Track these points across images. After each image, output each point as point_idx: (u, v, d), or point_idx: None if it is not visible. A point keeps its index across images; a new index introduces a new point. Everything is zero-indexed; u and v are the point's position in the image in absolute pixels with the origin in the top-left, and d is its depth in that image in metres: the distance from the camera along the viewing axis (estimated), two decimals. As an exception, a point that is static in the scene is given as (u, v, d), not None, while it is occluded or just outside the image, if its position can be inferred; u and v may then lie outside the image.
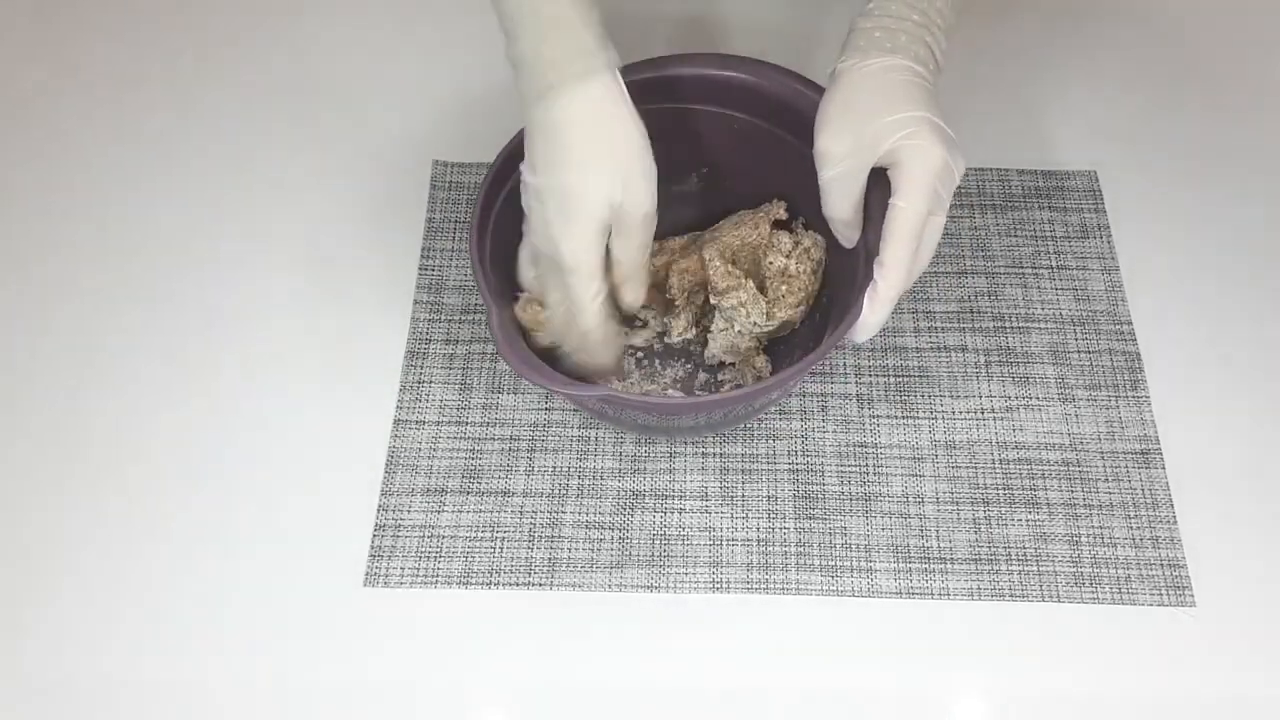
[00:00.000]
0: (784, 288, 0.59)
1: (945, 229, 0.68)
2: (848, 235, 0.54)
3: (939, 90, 0.52)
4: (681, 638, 0.57)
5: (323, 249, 0.69)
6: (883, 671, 0.56)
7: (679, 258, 0.62)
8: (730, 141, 0.60)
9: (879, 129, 0.49)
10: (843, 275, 0.57)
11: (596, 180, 0.48)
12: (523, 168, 0.51)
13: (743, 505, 0.60)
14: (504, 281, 0.56)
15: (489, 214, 0.55)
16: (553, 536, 0.59)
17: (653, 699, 0.55)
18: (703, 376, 0.63)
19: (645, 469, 0.61)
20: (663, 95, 0.57)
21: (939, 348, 0.66)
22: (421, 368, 0.64)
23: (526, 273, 0.56)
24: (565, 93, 0.47)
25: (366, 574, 0.58)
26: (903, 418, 0.63)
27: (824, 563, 0.59)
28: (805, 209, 0.53)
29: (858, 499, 0.61)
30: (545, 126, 0.48)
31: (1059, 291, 0.68)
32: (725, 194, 0.63)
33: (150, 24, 0.79)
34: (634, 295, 0.54)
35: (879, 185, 0.51)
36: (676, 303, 0.62)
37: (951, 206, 0.69)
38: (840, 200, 0.52)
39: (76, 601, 0.57)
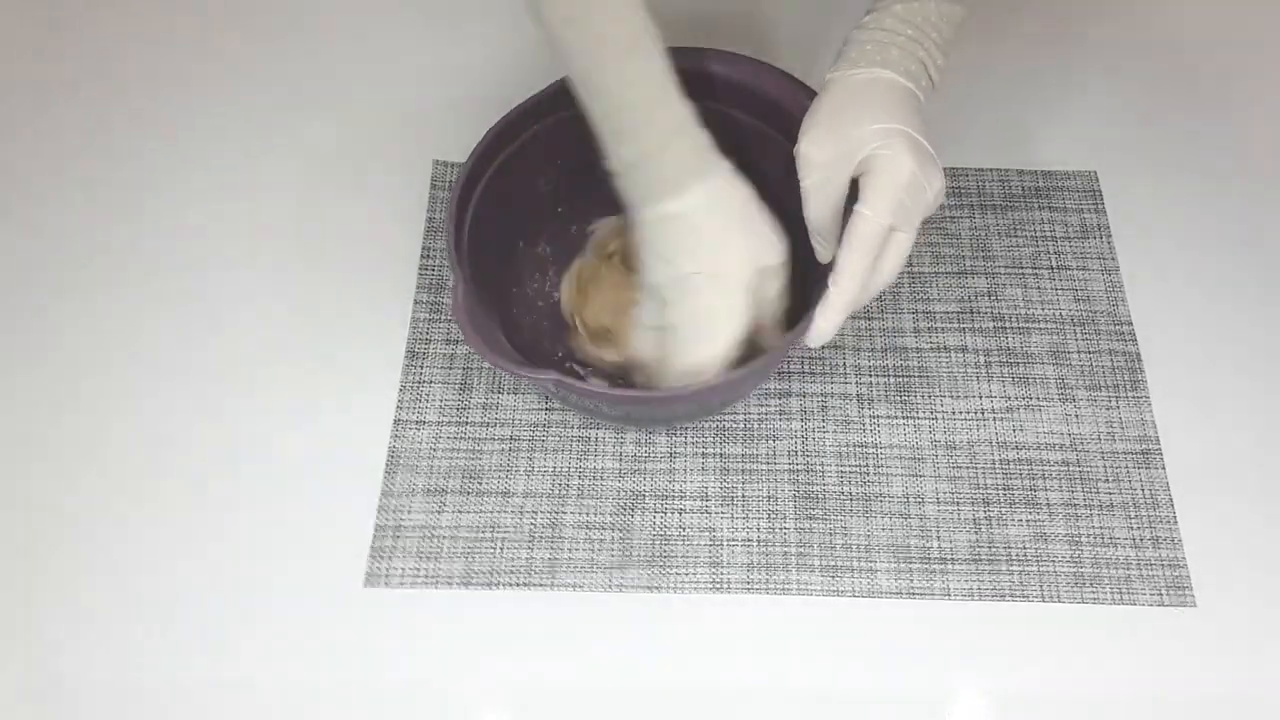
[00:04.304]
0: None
1: (945, 229, 0.70)
2: (825, 247, 0.54)
3: (935, 101, 0.52)
4: (682, 638, 0.57)
5: (323, 249, 0.69)
6: (883, 671, 0.56)
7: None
8: (723, 139, 0.60)
9: (858, 138, 0.49)
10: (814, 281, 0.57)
11: (745, 256, 0.52)
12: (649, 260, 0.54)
13: (743, 505, 0.60)
14: (476, 261, 0.56)
15: (474, 185, 0.56)
16: (553, 537, 0.59)
17: (653, 699, 0.55)
18: None
19: (645, 469, 0.61)
20: None
21: (939, 348, 0.66)
22: (421, 368, 0.64)
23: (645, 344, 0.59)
24: (696, 189, 0.51)
25: (367, 574, 0.58)
26: (903, 418, 0.63)
27: (824, 563, 0.59)
28: (792, 212, 0.54)
29: (858, 499, 0.61)
30: (680, 220, 0.52)
31: (1059, 292, 0.68)
32: None
33: (149, 25, 0.79)
34: (774, 338, 0.56)
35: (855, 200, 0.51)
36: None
37: (951, 207, 0.71)
38: (819, 208, 0.52)
39: (76, 602, 0.57)
